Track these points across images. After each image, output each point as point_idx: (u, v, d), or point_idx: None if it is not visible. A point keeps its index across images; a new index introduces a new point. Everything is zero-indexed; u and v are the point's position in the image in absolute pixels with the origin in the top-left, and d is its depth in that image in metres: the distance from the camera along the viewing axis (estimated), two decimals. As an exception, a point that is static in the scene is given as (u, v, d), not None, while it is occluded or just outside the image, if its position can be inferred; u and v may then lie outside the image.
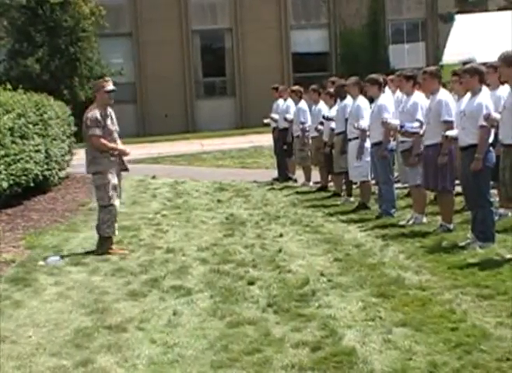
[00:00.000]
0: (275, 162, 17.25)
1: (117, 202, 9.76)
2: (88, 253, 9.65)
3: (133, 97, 36.64)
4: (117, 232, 9.89)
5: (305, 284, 7.60)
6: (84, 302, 7.40)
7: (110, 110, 9.92)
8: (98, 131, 9.59)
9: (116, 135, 9.88)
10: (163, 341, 6.12)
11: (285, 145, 16.03)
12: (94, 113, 9.68)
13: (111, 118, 9.88)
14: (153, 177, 18.27)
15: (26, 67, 30.39)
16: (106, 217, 9.68)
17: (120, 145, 9.90)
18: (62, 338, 6.33)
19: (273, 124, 16.73)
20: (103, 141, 9.60)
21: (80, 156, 20.88)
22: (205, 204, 13.60)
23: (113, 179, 9.68)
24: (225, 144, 26.71)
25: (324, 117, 13.51)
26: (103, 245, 9.67)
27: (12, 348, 6.14)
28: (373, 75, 11.51)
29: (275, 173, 16.73)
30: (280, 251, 9.23)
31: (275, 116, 16.47)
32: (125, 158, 9.98)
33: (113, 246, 9.77)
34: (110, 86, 9.84)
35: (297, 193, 14.42)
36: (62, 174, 17.77)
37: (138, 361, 5.73)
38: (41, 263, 9.16)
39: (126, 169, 10.01)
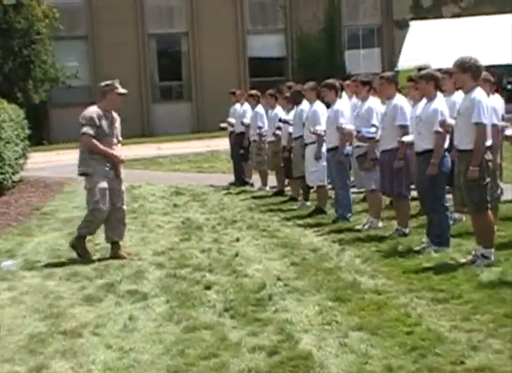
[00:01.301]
0: (231, 166, 17.24)
1: (105, 207, 9.36)
2: (39, 260, 9.55)
3: (88, 100, 36.11)
4: (102, 235, 9.69)
5: (262, 288, 7.59)
6: (38, 307, 7.30)
7: (115, 115, 9.61)
8: (90, 130, 9.24)
9: (114, 140, 9.54)
10: (119, 346, 6.07)
11: (242, 150, 16.03)
12: (90, 111, 9.34)
13: (112, 122, 9.52)
14: (109, 181, 18.08)
15: (-23, 70, 30.00)
16: (89, 219, 9.43)
17: (114, 151, 9.54)
18: (16, 344, 6.24)
19: (230, 129, 16.73)
20: (94, 141, 9.26)
21: (34, 160, 20.74)
22: (162, 209, 13.53)
23: (102, 183, 9.30)
24: (181, 149, 26.62)
25: (280, 120, 13.54)
26: (77, 242, 9.43)
27: (-36, 354, 6.04)
28: (330, 80, 11.57)
29: (231, 178, 16.72)
30: (237, 255, 9.21)
31: (231, 120, 16.47)
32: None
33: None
34: (122, 89, 9.52)
35: (254, 197, 14.43)
36: (16, 178, 17.55)
37: (94, 367, 5.67)
38: (-6, 267, 9.03)
39: (113, 174, 9.53)
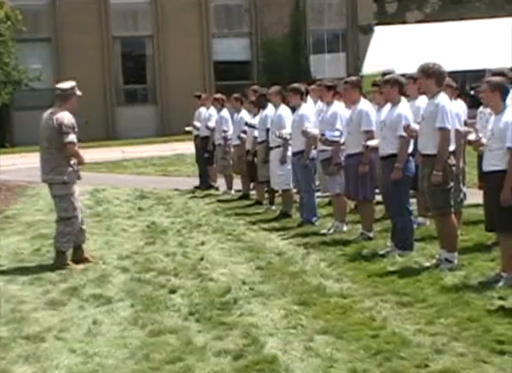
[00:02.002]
0: (196, 169, 17.21)
1: (79, 214, 9.32)
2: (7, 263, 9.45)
3: (52, 103, 36.03)
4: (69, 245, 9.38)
5: (227, 292, 7.59)
6: (0, 312, 7.23)
7: None
8: (75, 138, 9.13)
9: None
10: (83, 351, 6.03)
11: (207, 153, 16.00)
12: (68, 118, 9.17)
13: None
14: (73, 184, 17.94)
15: None
16: (67, 230, 9.18)
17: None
18: (-22, 349, 6.18)
19: (195, 132, 16.70)
20: (77, 148, 9.18)
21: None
22: (126, 212, 13.47)
23: (76, 191, 9.27)
24: (146, 152, 26.54)
25: (247, 124, 13.55)
26: (60, 259, 9.14)
27: None
28: (296, 85, 11.59)
29: (196, 181, 16.68)
30: (202, 259, 9.20)
31: (197, 124, 16.44)
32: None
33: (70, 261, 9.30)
34: (79, 91, 9.45)
35: (219, 201, 14.41)
36: (-22, 181, 17.38)
37: (57, 371, 5.64)
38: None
39: (79, 178, 9.49)
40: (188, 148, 19.99)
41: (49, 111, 9.48)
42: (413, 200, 9.36)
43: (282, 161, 11.70)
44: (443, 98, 8.06)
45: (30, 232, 11.61)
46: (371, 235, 9.74)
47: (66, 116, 9.19)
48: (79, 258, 9.31)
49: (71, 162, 9.20)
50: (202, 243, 10.22)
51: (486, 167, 7.47)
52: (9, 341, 6.32)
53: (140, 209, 13.73)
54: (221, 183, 15.82)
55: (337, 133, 10.13)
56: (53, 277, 8.58)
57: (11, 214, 13.68)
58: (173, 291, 7.72)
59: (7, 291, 8.03)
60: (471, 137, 8.58)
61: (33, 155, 29.35)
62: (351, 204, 11.13)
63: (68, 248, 9.27)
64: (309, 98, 12.53)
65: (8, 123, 34.56)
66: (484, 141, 7.84)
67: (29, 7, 35.04)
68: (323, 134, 10.20)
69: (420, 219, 10.16)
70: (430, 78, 8.06)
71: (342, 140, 10.04)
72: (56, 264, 9.13)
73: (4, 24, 31.94)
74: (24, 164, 24.26)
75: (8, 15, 31.99)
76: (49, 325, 6.72)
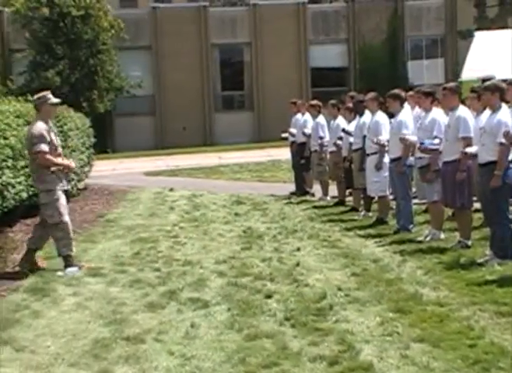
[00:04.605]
0: (292, 176, 17.27)
1: (67, 218, 9.55)
2: (106, 264, 9.70)
3: (151, 110, 36.84)
4: (74, 249, 9.62)
5: (322, 298, 7.60)
6: (102, 313, 7.43)
7: (51, 124, 9.77)
8: (44, 147, 9.28)
9: (60, 149, 9.71)
10: (181, 353, 6.14)
11: (303, 159, 16.04)
12: (39, 128, 9.34)
13: (54, 132, 9.70)
14: (171, 190, 18.31)
15: (46, 80, 30.62)
16: (59, 235, 9.43)
17: (65, 160, 9.75)
18: (80, 348, 6.36)
19: (291, 138, 16.76)
20: (49, 156, 9.33)
21: (99, 168, 21.08)
22: (223, 217, 13.62)
23: (62, 197, 9.47)
24: (243, 158, 26.78)
25: (343, 130, 13.54)
26: (68, 262, 9.46)
27: (30, 358, 6.17)
28: (396, 91, 11.48)
29: (292, 187, 16.75)
30: (297, 265, 9.24)
31: (293, 130, 16.51)
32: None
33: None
34: (55, 99, 9.64)
35: (315, 207, 14.43)
36: (81, 185, 17.88)
37: (156, 373, 5.76)
38: (60, 273, 9.20)
39: (66, 184, 9.79)
40: (284, 154, 20.09)
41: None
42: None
43: (378, 167, 11.64)
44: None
45: (130, 236, 11.88)
46: (469, 243, 9.58)
47: (37, 126, 9.38)
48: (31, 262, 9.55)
49: (52, 169, 9.37)
50: (298, 249, 10.26)
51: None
52: (110, 342, 6.49)
53: (236, 214, 13.87)
54: (317, 189, 15.84)
55: (436, 140, 9.99)
56: (152, 279, 8.77)
57: (112, 218, 14.02)
58: (269, 296, 7.77)
59: (108, 293, 8.24)
60: None
61: (132, 161, 30.26)
62: (448, 212, 10.98)
63: (69, 250, 9.48)
64: (406, 104, 12.42)
65: (110, 129, 35.43)
66: None
67: (131, 15, 36.01)
68: (422, 143, 10.08)
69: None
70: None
71: (441, 147, 9.91)
72: (68, 265, 9.42)
73: (108, 33, 32.91)
74: (124, 169, 24.87)
75: (111, 24, 32.94)
76: (148, 327, 6.86)
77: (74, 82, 32.02)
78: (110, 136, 35.18)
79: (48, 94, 9.66)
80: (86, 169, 18.51)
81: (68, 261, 9.48)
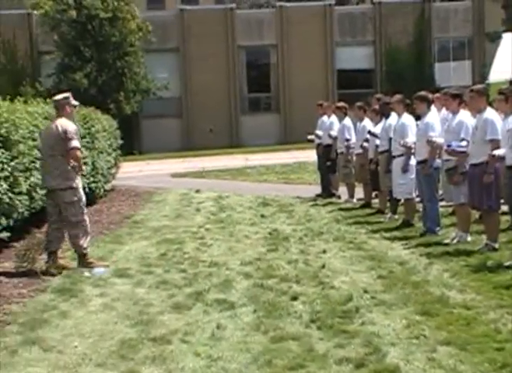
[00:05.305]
0: (318, 178, 17.26)
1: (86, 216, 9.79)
2: (132, 265, 9.76)
3: (178, 111, 36.99)
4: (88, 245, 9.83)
5: (348, 300, 7.59)
6: (129, 314, 7.46)
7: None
8: (79, 144, 9.55)
9: None
10: (207, 354, 6.15)
11: (329, 162, 16.03)
12: (72, 125, 9.56)
13: None
14: (197, 191, 18.37)
15: (74, 82, 30.87)
16: (80, 233, 9.61)
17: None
18: (107, 349, 6.39)
19: (317, 141, 16.75)
20: (80, 153, 9.63)
21: (125, 169, 21.20)
22: (249, 219, 13.65)
23: (83, 196, 9.68)
24: (269, 160, 26.80)
25: (369, 132, 13.51)
26: (85, 261, 9.63)
27: (58, 358, 6.22)
28: (423, 92, 11.43)
29: (318, 189, 16.74)
30: (323, 267, 9.23)
31: (319, 132, 16.50)
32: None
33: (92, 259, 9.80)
34: (75, 101, 9.85)
35: (341, 209, 14.41)
36: (108, 187, 17.98)
37: (183, 374, 5.78)
38: (87, 274, 9.27)
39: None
40: (310, 156, 20.08)
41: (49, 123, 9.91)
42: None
43: (404, 170, 11.61)
44: None
45: (156, 237, 11.93)
46: (496, 245, 9.53)
47: (71, 124, 9.55)
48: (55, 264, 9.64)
49: (71, 165, 9.48)
50: (324, 251, 10.25)
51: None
52: (137, 342, 6.52)
53: (262, 216, 13.89)
54: (343, 191, 15.82)
55: (464, 143, 9.93)
56: (178, 281, 8.80)
57: (138, 219, 14.09)
58: (294, 298, 7.77)
59: (135, 294, 8.28)
60: None
61: (158, 163, 30.44)
62: (475, 214, 10.92)
63: (87, 250, 9.71)
64: (433, 106, 12.37)
65: (137, 131, 35.63)
66: None
67: (159, 18, 36.21)
68: (449, 145, 10.03)
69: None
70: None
71: (468, 150, 9.86)
72: (83, 265, 9.59)
73: (136, 35, 33.12)
74: (150, 170, 24.97)
75: (139, 27, 33.15)
76: (175, 328, 6.88)
77: (101, 84, 32.26)
78: (137, 138, 35.37)
79: (69, 96, 9.82)
80: (113, 170, 18.62)
81: (84, 258, 9.63)
